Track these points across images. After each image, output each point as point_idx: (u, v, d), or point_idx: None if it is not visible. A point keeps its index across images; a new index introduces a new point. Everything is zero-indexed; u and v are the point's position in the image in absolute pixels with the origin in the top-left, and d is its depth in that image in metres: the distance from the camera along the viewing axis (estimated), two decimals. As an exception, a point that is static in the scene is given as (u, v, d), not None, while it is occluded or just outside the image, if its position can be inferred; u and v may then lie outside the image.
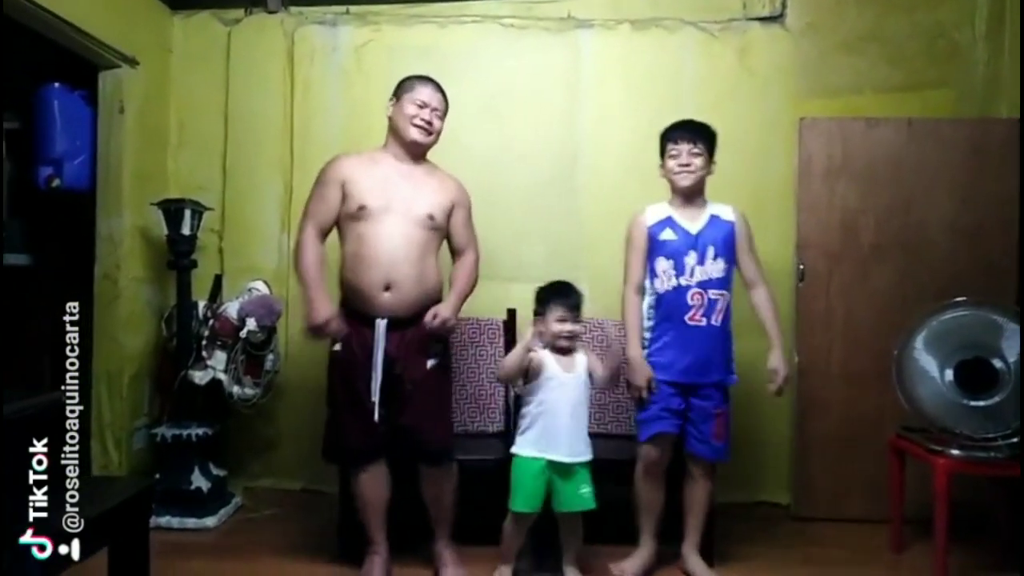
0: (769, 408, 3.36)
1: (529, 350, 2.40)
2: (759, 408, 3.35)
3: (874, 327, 3.18)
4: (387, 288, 2.42)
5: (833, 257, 3.27)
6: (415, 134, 2.50)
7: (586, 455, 2.45)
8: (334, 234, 2.57)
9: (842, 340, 3.25)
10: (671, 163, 2.55)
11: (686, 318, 2.49)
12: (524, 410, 2.47)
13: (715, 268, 2.51)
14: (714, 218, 2.56)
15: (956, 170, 3.20)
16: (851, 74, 3.41)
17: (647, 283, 2.58)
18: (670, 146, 2.56)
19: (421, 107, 2.51)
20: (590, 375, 2.49)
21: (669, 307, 2.51)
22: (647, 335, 2.57)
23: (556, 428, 2.40)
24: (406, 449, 2.50)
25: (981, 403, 2.60)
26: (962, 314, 2.70)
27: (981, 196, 3.19)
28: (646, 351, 2.56)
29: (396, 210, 2.44)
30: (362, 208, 2.44)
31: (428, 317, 2.44)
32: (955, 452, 2.57)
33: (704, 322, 2.49)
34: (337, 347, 2.50)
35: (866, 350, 3.18)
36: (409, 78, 2.59)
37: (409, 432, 2.47)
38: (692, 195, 2.56)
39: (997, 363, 2.62)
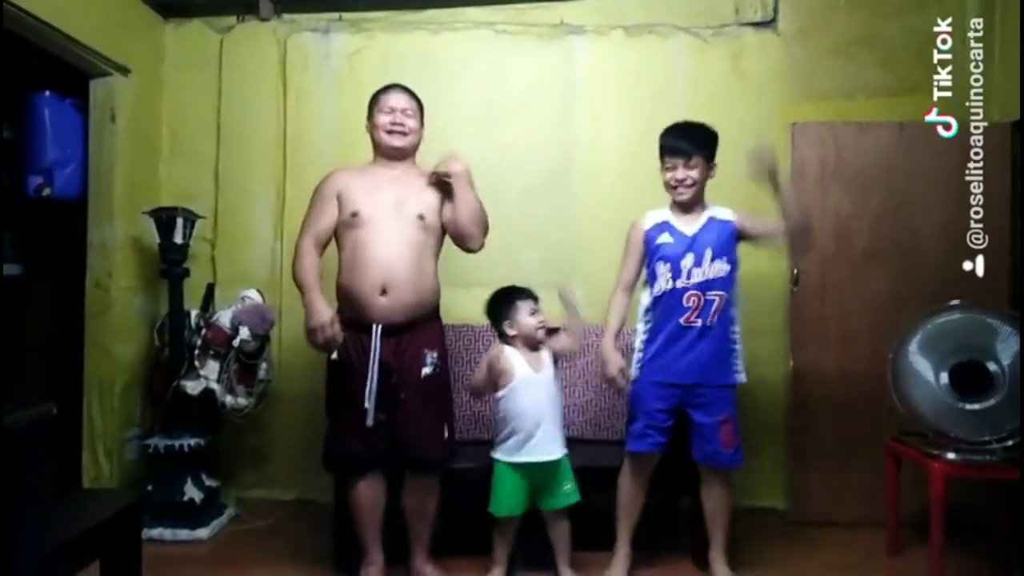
0: (765, 413, 3.36)
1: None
2: (754, 413, 3.35)
3: (869, 331, 3.18)
4: (383, 292, 2.42)
5: (827, 261, 3.27)
6: (391, 140, 2.55)
7: (562, 450, 2.50)
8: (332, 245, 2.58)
9: (837, 344, 3.25)
10: (667, 175, 2.54)
11: (681, 320, 2.49)
12: (501, 415, 2.50)
13: (714, 269, 2.49)
14: (712, 220, 2.54)
15: (948, 174, 3.21)
16: (843, 79, 3.42)
17: (648, 286, 2.58)
18: (666, 158, 2.54)
19: (390, 112, 2.56)
20: (556, 362, 2.55)
21: (665, 309, 2.51)
22: (643, 337, 2.57)
23: (534, 429, 2.44)
24: (397, 457, 2.50)
25: (976, 406, 2.61)
26: (956, 317, 2.71)
27: (972, 200, 3.19)
28: (641, 354, 2.56)
29: (388, 214, 2.46)
30: (355, 215, 2.47)
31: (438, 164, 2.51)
32: (951, 456, 2.57)
33: (699, 323, 2.48)
34: (334, 355, 2.49)
35: (861, 354, 3.18)
36: (376, 92, 2.63)
37: (399, 439, 2.47)
38: (691, 203, 2.55)
39: (992, 366, 2.63)
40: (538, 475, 2.46)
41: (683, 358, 2.48)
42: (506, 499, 2.46)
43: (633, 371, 2.57)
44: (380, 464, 2.52)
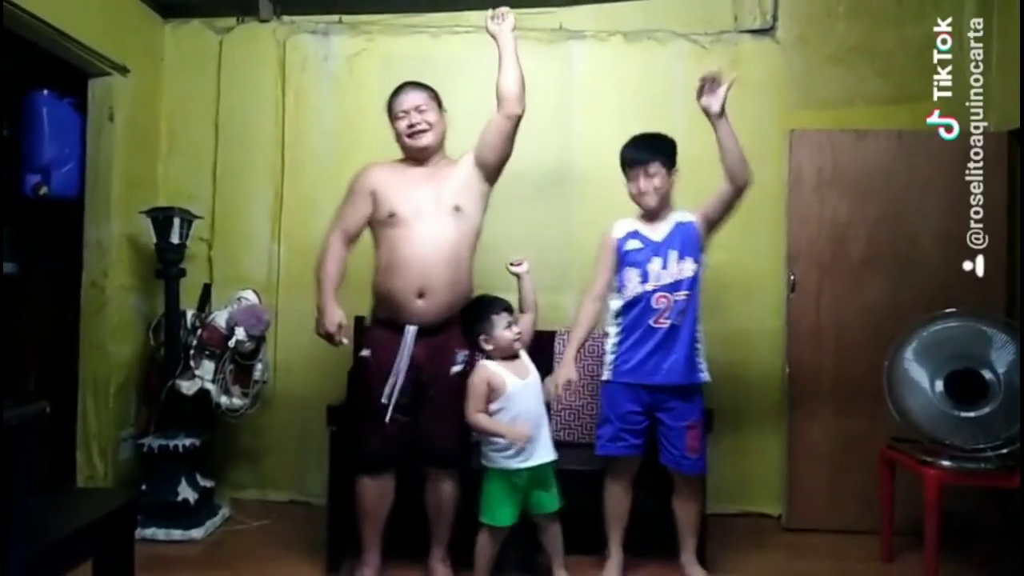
0: (760, 419, 3.37)
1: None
2: (750, 419, 3.36)
3: (865, 338, 3.18)
4: (421, 295, 2.43)
5: (824, 268, 3.28)
6: (414, 142, 2.55)
7: (554, 452, 2.49)
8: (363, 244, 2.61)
9: (833, 351, 3.25)
10: (630, 187, 2.59)
11: (650, 322, 2.52)
12: None
13: (680, 269, 2.52)
14: (678, 224, 2.58)
15: (946, 182, 3.21)
16: (841, 86, 3.43)
17: (618, 291, 2.61)
18: (627, 170, 2.59)
19: (404, 116, 2.55)
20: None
21: (635, 312, 2.55)
22: (614, 340, 2.60)
23: (534, 435, 2.42)
24: (417, 452, 2.51)
25: (971, 414, 2.61)
26: (952, 325, 2.72)
27: (970, 208, 3.20)
28: (612, 356, 2.58)
29: (425, 212, 2.47)
30: (392, 215, 2.48)
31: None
32: (945, 463, 2.57)
33: (668, 323, 2.51)
34: (366, 352, 2.51)
35: (857, 361, 3.18)
36: (390, 96, 2.63)
37: (422, 434, 2.47)
38: (658, 211, 2.59)
39: (987, 374, 2.63)
40: (534, 480, 2.45)
41: (653, 358, 2.51)
42: (503, 509, 2.43)
43: (605, 374, 2.60)
44: (395, 465, 2.52)
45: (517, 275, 2.60)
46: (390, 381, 2.42)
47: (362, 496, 2.52)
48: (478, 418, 2.41)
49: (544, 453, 2.45)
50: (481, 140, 2.57)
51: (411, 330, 2.44)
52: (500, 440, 2.40)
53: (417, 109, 2.55)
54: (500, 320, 2.45)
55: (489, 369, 2.45)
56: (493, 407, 2.43)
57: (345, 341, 2.48)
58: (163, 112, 3.55)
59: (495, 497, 2.43)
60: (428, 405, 2.47)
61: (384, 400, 2.41)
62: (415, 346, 2.44)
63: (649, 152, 2.56)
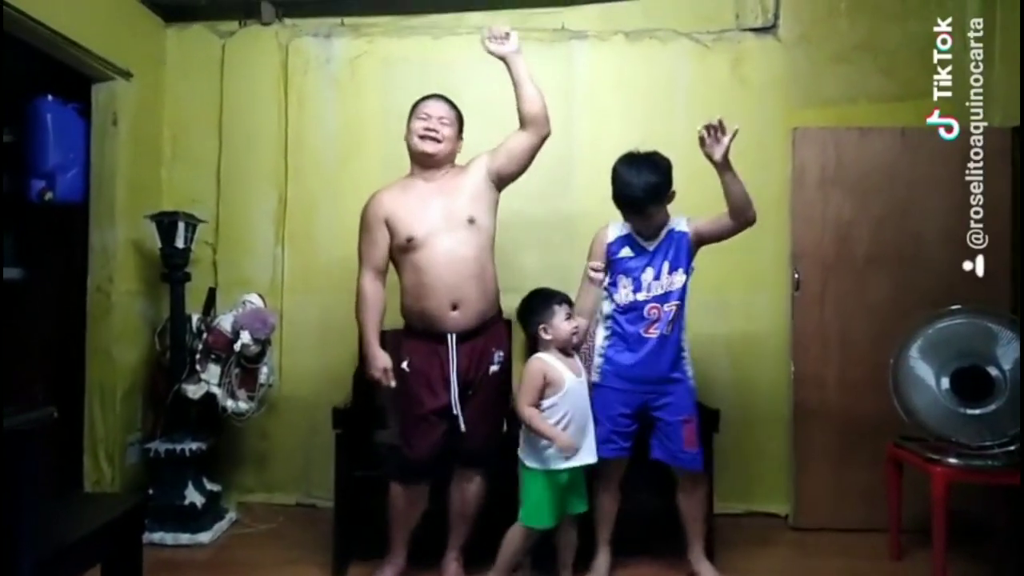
0: (766, 417, 3.36)
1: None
2: (756, 419, 3.35)
3: (870, 336, 3.18)
4: (455, 308, 2.45)
5: (828, 267, 3.27)
6: (423, 145, 2.54)
7: (595, 454, 2.45)
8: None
9: (838, 349, 3.25)
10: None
11: (641, 331, 2.52)
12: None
13: (671, 281, 2.52)
14: (671, 233, 2.56)
15: (949, 179, 3.20)
16: (844, 84, 3.42)
17: (609, 296, 2.60)
18: (623, 212, 2.57)
19: (425, 119, 2.55)
20: None
21: (625, 319, 2.55)
22: (603, 344, 2.60)
23: (583, 433, 2.40)
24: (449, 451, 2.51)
25: (978, 411, 2.61)
26: (958, 322, 2.72)
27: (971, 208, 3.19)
28: (601, 359, 2.59)
29: (441, 229, 2.46)
30: (411, 239, 2.48)
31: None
32: (952, 461, 2.57)
33: (657, 333, 2.51)
34: (404, 363, 2.50)
35: (862, 359, 3.18)
36: (419, 98, 2.63)
37: (456, 433, 2.48)
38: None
39: (993, 371, 2.63)
40: (572, 480, 2.41)
41: (640, 366, 2.52)
42: (544, 510, 2.37)
43: (593, 376, 2.59)
44: (432, 476, 2.52)
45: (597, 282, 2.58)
46: (452, 393, 2.44)
47: (393, 502, 2.53)
48: (532, 413, 2.33)
49: (587, 455, 2.41)
50: (504, 153, 2.56)
51: (452, 339, 2.45)
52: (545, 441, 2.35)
53: (440, 119, 2.55)
54: (560, 311, 2.43)
55: (545, 361, 2.40)
56: (547, 402, 2.36)
57: (393, 384, 2.49)
58: (166, 116, 3.56)
59: (537, 498, 2.37)
60: (469, 405, 2.48)
61: (456, 411, 2.44)
62: (458, 354, 2.46)
63: (643, 198, 2.48)
